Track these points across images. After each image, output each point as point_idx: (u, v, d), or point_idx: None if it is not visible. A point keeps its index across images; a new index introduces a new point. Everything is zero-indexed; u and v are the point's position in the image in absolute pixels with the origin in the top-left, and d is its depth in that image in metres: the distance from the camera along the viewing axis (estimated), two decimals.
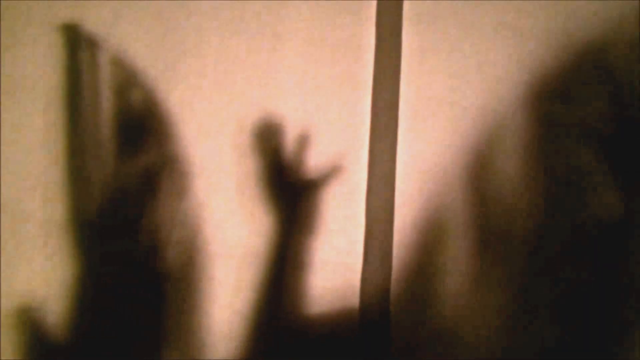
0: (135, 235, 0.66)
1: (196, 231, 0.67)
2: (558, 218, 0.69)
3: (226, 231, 0.68)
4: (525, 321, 0.67)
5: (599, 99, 0.71)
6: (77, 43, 0.69)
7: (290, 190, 0.67)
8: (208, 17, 0.72)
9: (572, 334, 0.66)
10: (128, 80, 0.69)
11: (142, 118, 0.68)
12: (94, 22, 0.71)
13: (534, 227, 0.69)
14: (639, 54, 0.71)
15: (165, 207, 0.67)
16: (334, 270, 0.67)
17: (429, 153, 0.70)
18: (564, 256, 0.68)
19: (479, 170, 0.70)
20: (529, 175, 0.70)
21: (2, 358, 0.64)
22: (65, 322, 0.64)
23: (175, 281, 0.66)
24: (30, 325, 0.64)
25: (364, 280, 0.67)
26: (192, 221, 0.67)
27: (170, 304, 0.66)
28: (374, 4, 0.73)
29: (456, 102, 0.71)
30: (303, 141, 0.69)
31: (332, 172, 0.68)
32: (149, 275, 0.66)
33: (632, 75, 0.71)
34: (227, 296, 0.67)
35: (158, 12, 0.72)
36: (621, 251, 0.66)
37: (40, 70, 0.69)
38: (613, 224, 0.67)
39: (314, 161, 0.70)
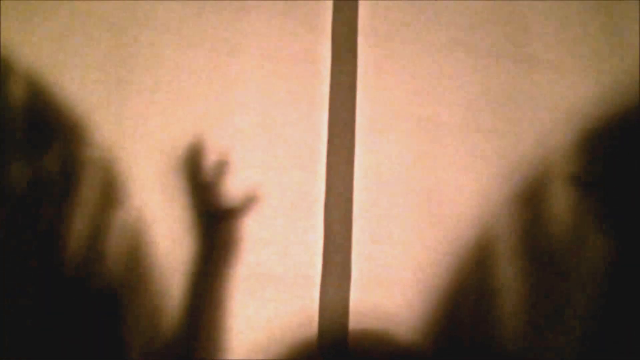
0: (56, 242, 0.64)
1: (136, 241, 0.66)
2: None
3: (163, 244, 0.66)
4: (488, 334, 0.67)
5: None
6: None
7: (210, 214, 0.67)
8: (162, 31, 0.72)
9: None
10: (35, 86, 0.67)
11: (47, 122, 0.67)
12: (43, 35, 0.69)
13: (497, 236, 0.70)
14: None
15: (95, 215, 0.65)
16: (294, 283, 0.67)
17: (386, 164, 0.71)
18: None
19: (433, 181, 0.71)
20: (484, 181, 0.71)
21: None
22: None
23: (113, 291, 0.64)
24: None
25: (323, 292, 0.67)
26: (131, 230, 0.66)
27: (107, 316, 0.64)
28: (329, 18, 0.74)
29: (412, 114, 0.72)
30: (222, 167, 0.69)
31: (249, 200, 0.68)
32: (82, 287, 0.64)
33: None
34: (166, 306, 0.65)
35: (110, 25, 0.71)
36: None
37: None
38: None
39: (273, 174, 0.69)
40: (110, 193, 0.66)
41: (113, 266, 0.64)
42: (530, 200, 0.71)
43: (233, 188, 0.68)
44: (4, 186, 0.65)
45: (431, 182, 0.71)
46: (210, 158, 0.69)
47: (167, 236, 0.66)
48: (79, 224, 0.65)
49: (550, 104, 0.75)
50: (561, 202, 0.71)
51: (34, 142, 0.66)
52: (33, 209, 0.65)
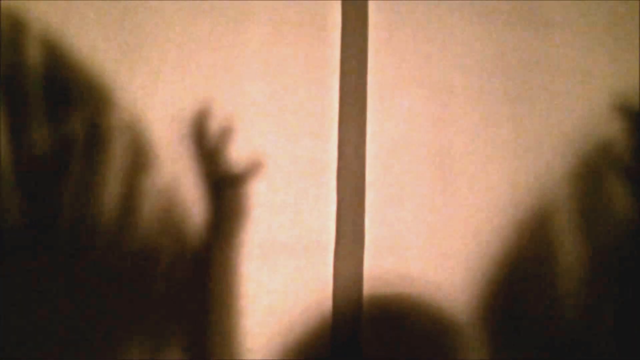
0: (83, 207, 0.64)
1: (168, 206, 0.66)
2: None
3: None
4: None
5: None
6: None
7: (221, 182, 0.67)
8: None
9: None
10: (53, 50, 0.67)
11: (67, 85, 0.66)
12: (48, 6, 0.68)
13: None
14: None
15: (126, 180, 0.65)
16: (307, 249, 0.67)
17: (398, 130, 0.70)
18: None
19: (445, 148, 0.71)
20: (491, 145, 0.71)
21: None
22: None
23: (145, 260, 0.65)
24: None
25: (336, 257, 0.67)
26: (162, 197, 0.66)
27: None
28: None
29: (424, 79, 0.72)
30: (232, 134, 0.68)
31: (260, 167, 0.68)
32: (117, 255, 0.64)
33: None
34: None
35: None
36: None
37: None
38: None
39: (284, 141, 0.69)
40: (139, 157, 0.66)
41: (147, 232, 0.64)
42: (544, 164, 0.71)
43: (243, 155, 0.68)
44: (25, 151, 0.65)
45: (444, 148, 0.71)
46: (220, 126, 0.68)
47: (179, 205, 0.66)
48: (109, 189, 0.65)
49: (565, 69, 0.74)
50: (578, 167, 0.71)
51: (54, 105, 0.66)
52: (58, 175, 0.65)
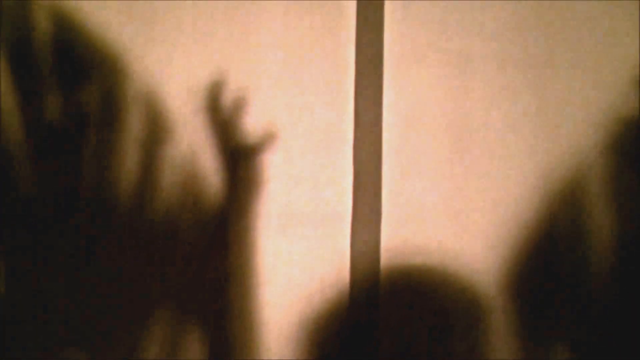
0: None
1: (189, 176, 0.66)
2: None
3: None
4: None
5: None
6: None
7: (237, 154, 0.67)
8: None
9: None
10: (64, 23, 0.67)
11: (79, 55, 0.66)
12: None
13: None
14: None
15: (145, 150, 0.66)
16: (324, 220, 0.67)
17: (415, 100, 0.70)
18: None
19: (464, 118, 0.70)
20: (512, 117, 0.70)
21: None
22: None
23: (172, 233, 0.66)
24: None
25: (354, 229, 0.67)
26: (181, 169, 0.66)
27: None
28: None
29: (441, 47, 0.71)
30: (248, 106, 0.68)
31: (276, 139, 0.68)
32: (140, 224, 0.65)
33: None
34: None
35: None
36: None
37: None
38: None
39: (300, 113, 0.69)
40: (157, 129, 0.67)
41: (166, 204, 0.65)
42: (566, 133, 0.70)
43: (259, 127, 0.68)
44: (38, 123, 0.66)
45: (461, 117, 0.70)
46: (236, 97, 0.68)
47: (198, 177, 0.66)
48: (126, 161, 0.66)
49: (589, 33, 0.72)
50: (603, 136, 0.70)
51: (67, 77, 0.67)
52: (74, 147, 0.66)
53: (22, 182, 0.65)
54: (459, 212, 0.68)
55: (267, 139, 0.68)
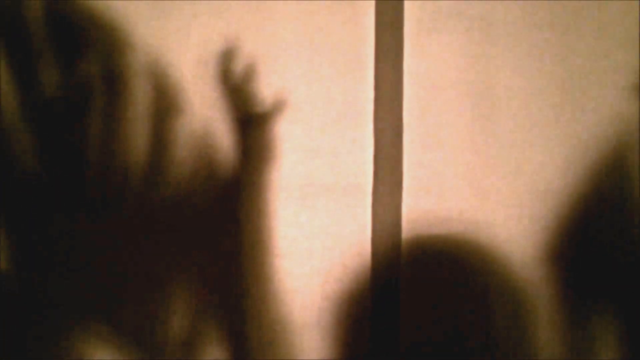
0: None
1: (203, 150, 0.66)
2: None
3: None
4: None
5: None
6: None
7: (256, 125, 0.67)
8: None
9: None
10: None
11: (78, 27, 0.66)
12: None
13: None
14: None
15: (155, 123, 0.66)
16: (345, 192, 0.67)
17: (436, 68, 0.69)
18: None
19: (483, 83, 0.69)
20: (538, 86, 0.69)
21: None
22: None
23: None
24: None
25: (375, 200, 0.67)
26: (196, 141, 0.67)
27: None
28: None
29: (463, 12, 0.69)
30: (253, 73, 0.67)
31: (295, 110, 0.67)
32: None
33: None
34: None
35: None
36: None
37: None
38: None
39: (319, 84, 0.68)
40: (168, 101, 0.66)
41: (181, 176, 0.66)
42: (592, 98, 0.68)
43: (278, 98, 0.68)
44: (37, 97, 0.66)
45: (484, 85, 0.69)
46: (252, 66, 0.68)
47: (214, 149, 0.66)
48: (138, 134, 0.66)
49: None
50: (631, 101, 0.68)
51: (67, 48, 0.66)
52: (78, 121, 0.66)
53: (24, 161, 0.65)
54: (481, 182, 0.68)
55: (280, 107, 0.68)
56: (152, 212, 0.66)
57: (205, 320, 0.65)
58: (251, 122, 0.67)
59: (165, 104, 0.66)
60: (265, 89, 0.68)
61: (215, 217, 0.66)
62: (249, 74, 0.67)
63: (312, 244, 0.67)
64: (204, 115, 0.67)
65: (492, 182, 0.68)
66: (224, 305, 0.66)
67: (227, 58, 0.67)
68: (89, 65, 0.66)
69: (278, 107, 0.67)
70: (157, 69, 0.67)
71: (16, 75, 0.66)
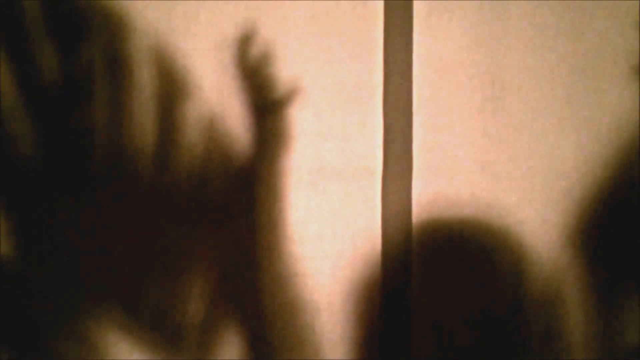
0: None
1: (214, 135, 0.67)
2: None
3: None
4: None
5: None
6: None
7: (267, 108, 0.66)
8: None
9: None
10: None
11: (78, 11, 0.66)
12: None
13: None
14: None
15: (162, 108, 0.66)
16: (355, 175, 0.67)
17: (446, 49, 0.68)
18: None
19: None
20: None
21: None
22: None
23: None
24: None
25: (385, 183, 0.67)
26: (206, 126, 0.67)
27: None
28: None
29: None
30: (276, 60, 0.67)
31: (305, 93, 0.67)
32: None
33: None
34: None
35: None
36: None
37: None
38: None
39: (329, 66, 0.68)
40: (174, 85, 0.66)
41: (191, 162, 0.66)
42: (605, 79, 0.67)
43: (288, 81, 0.67)
44: (38, 80, 0.66)
45: (494, 66, 0.68)
46: (264, 51, 0.67)
47: (225, 134, 0.67)
48: (146, 119, 0.66)
49: None
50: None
51: (68, 34, 0.66)
52: (79, 106, 0.66)
53: (29, 148, 0.66)
54: (492, 164, 0.67)
55: (295, 93, 0.67)
56: (165, 197, 0.66)
57: (221, 304, 0.66)
58: (267, 107, 0.67)
59: (173, 88, 0.66)
60: (277, 73, 0.67)
61: (229, 202, 0.67)
62: (265, 60, 0.67)
63: (323, 228, 0.67)
64: (214, 100, 0.67)
65: (503, 165, 0.67)
66: (239, 289, 0.66)
67: (244, 43, 0.67)
68: (93, 50, 0.66)
69: (293, 92, 0.67)
70: (164, 54, 0.67)
71: (17, 60, 0.66)
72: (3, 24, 0.65)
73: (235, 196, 0.66)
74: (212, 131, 0.66)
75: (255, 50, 0.67)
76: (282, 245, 0.66)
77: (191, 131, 0.66)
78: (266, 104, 0.67)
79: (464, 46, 0.68)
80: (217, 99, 0.67)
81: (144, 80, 0.66)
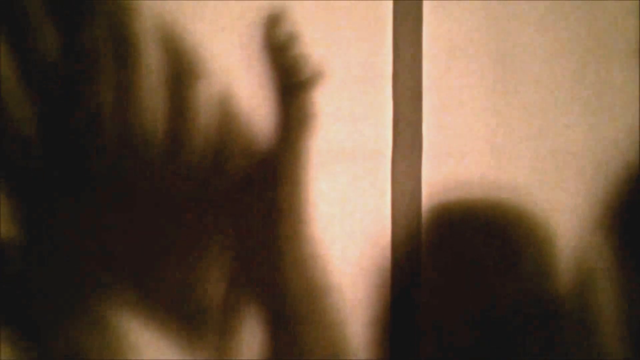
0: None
1: (227, 115, 0.66)
2: None
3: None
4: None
5: None
6: None
7: (281, 89, 0.66)
8: None
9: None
10: None
11: None
12: None
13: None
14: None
15: (171, 90, 0.65)
16: (364, 157, 0.67)
17: (456, 29, 0.67)
18: None
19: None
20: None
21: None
22: None
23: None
24: None
25: (394, 164, 0.67)
26: (215, 108, 0.66)
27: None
28: None
29: None
30: (290, 41, 0.66)
31: (316, 75, 0.66)
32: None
33: None
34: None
35: None
36: None
37: None
38: None
39: (337, 48, 0.67)
40: (183, 66, 0.66)
41: (207, 145, 0.65)
42: (617, 58, 0.67)
43: (299, 63, 0.67)
44: (41, 60, 0.65)
45: (505, 45, 0.67)
46: (291, 32, 0.67)
47: (238, 115, 0.66)
48: (153, 102, 0.65)
49: None
50: None
51: (71, 12, 0.66)
52: (84, 87, 0.66)
53: (31, 133, 0.65)
54: (503, 145, 0.67)
55: (320, 75, 0.67)
56: (181, 179, 0.66)
57: (240, 286, 0.66)
58: (292, 89, 0.66)
59: (181, 70, 0.66)
60: (302, 55, 0.67)
61: (247, 184, 0.66)
62: (292, 40, 0.66)
63: (332, 210, 0.66)
64: (225, 81, 0.66)
65: (514, 145, 0.67)
66: (259, 271, 0.66)
67: (272, 23, 0.66)
68: (97, 32, 0.66)
69: (318, 74, 0.66)
70: (172, 35, 0.66)
71: (18, 45, 0.65)
72: (3, 5, 0.65)
73: (254, 178, 0.66)
74: (225, 113, 0.66)
75: (282, 31, 0.66)
76: (297, 225, 0.66)
77: (203, 113, 0.66)
78: (292, 85, 0.66)
79: (474, 25, 0.67)
80: (226, 81, 0.66)
81: (152, 62, 0.66)
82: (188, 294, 0.65)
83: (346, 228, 0.66)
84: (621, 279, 0.66)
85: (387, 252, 0.66)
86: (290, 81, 0.66)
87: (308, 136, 0.66)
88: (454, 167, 0.67)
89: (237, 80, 0.66)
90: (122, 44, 0.66)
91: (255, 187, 0.66)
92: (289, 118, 0.66)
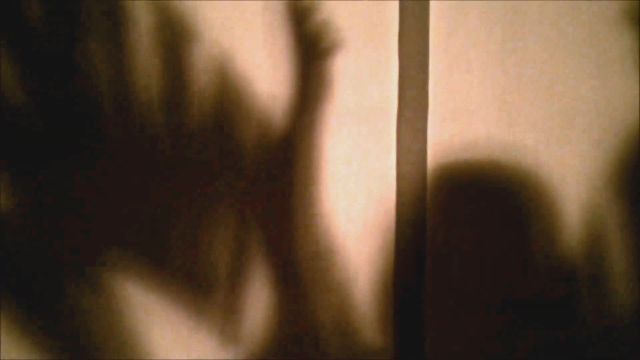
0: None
1: (225, 77, 0.65)
2: None
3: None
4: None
5: None
6: None
7: (299, 56, 0.65)
8: None
9: None
10: None
11: None
12: None
13: None
14: None
15: (167, 53, 0.64)
16: (369, 117, 0.66)
17: None
18: None
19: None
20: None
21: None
22: None
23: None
24: None
25: (399, 124, 0.66)
26: (216, 66, 0.65)
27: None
28: None
29: None
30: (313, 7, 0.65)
31: (332, 40, 0.65)
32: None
33: None
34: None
35: None
36: None
37: None
38: None
39: (339, 8, 0.66)
40: (178, 26, 0.65)
41: (202, 106, 0.65)
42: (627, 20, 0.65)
43: (321, 31, 0.66)
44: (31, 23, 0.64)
45: (513, 3, 0.66)
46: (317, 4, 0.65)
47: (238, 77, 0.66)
48: (148, 63, 0.65)
49: None
50: None
51: None
52: (77, 50, 0.64)
53: (29, 98, 0.64)
54: (510, 105, 0.66)
55: (339, 43, 0.65)
56: (183, 146, 0.65)
57: (249, 252, 0.66)
58: (311, 56, 0.65)
59: (177, 30, 0.65)
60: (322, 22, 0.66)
61: (250, 148, 0.66)
62: (313, 7, 0.65)
63: (337, 169, 0.66)
64: (222, 41, 0.65)
65: (521, 105, 0.66)
66: (267, 235, 0.66)
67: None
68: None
69: (336, 42, 0.65)
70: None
71: (10, 16, 0.64)
72: None
73: (264, 143, 0.66)
74: (223, 74, 0.65)
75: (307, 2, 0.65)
76: (310, 184, 0.65)
77: (201, 75, 0.65)
78: (311, 52, 0.65)
79: None
80: (225, 40, 0.65)
81: (144, 22, 0.65)
82: (196, 255, 0.66)
83: (351, 188, 0.66)
84: (630, 236, 0.66)
85: (392, 212, 0.66)
86: (312, 49, 0.65)
87: (326, 102, 0.66)
88: (460, 127, 0.66)
89: (238, 41, 0.65)
90: (118, 6, 0.65)
91: (264, 151, 0.66)
92: (308, 84, 0.65)
